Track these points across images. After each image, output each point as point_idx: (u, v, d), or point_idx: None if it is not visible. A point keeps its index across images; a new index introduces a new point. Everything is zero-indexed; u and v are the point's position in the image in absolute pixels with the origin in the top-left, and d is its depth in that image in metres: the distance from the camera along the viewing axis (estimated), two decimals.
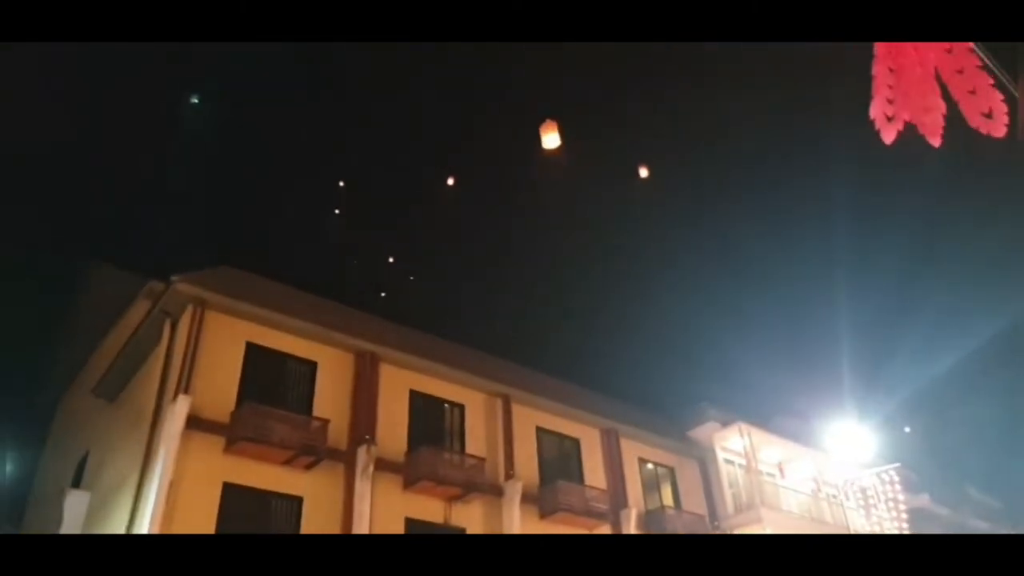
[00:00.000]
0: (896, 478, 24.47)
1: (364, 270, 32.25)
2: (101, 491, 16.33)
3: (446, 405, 19.49)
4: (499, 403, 20.25)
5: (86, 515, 16.07)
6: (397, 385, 18.45)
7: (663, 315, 34.28)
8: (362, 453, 16.39)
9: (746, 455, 24.34)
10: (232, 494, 14.63)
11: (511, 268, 35.53)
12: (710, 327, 31.25)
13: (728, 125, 26.42)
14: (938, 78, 3.10)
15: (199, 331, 15.71)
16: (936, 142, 3.10)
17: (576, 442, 21.81)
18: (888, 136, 3.23)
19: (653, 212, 30.35)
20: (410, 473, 17.24)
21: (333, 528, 15.59)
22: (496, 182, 31.59)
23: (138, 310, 17.72)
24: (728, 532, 23.06)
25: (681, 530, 21.62)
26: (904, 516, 24.09)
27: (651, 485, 23.27)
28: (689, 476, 24.31)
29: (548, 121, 17.41)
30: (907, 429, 31.77)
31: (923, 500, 29.45)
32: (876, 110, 3.22)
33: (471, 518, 18.00)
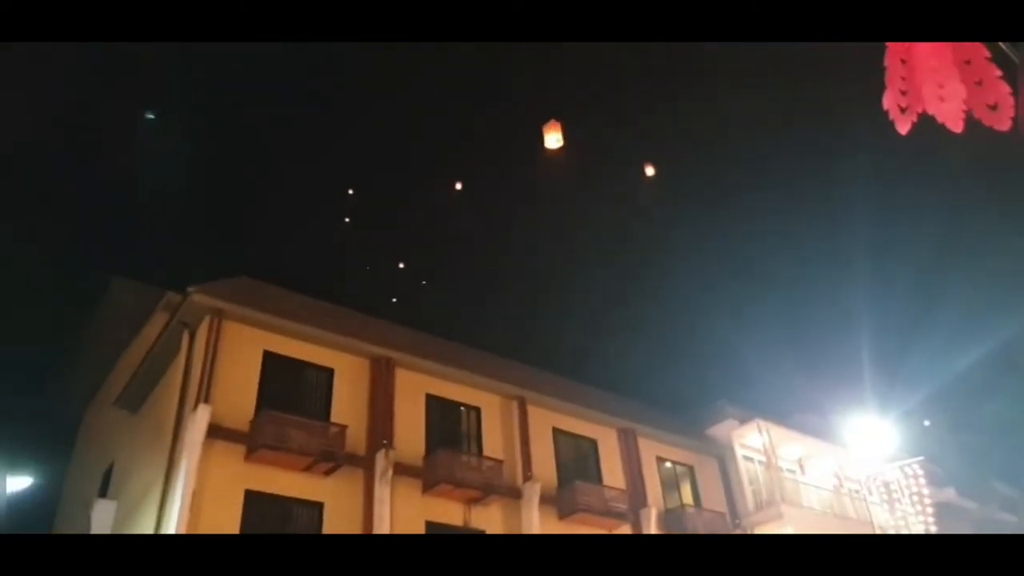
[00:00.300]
0: (920, 472, 24.21)
1: (375, 276, 32.40)
2: (127, 500, 16.52)
3: (462, 408, 19.53)
4: (515, 405, 20.26)
5: (113, 524, 16.26)
6: (413, 390, 18.51)
7: (680, 314, 34.21)
8: (380, 458, 16.46)
9: (766, 452, 24.20)
10: (254, 501, 14.75)
11: (523, 270, 35.55)
12: (728, 325, 31.16)
13: (743, 122, 26.32)
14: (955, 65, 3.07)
15: (217, 341, 15.84)
16: (957, 128, 3.06)
17: (593, 443, 21.78)
18: (903, 127, 3.22)
19: (668, 211, 30.30)
20: (429, 477, 17.29)
21: (354, 532, 15.65)
22: (505, 185, 31.64)
23: (157, 322, 17.92)
24: (749, 529, 22.96)
25: (702, 528, 21.53)
26: (930, 511, 23.82)
27: (670, 484, 23.19)
28: (708, 474, 24.20)
29: (552, 121, 17.42)
30: (927, 423, 31.43)
31: (949, 494, 29.11)
32: (889, 101, 3.21)
33: (490, 520, 18.01)
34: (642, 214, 29.83)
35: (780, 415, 26.21)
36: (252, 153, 33.42)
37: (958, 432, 32.60)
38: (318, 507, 15.63)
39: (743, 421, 24.68)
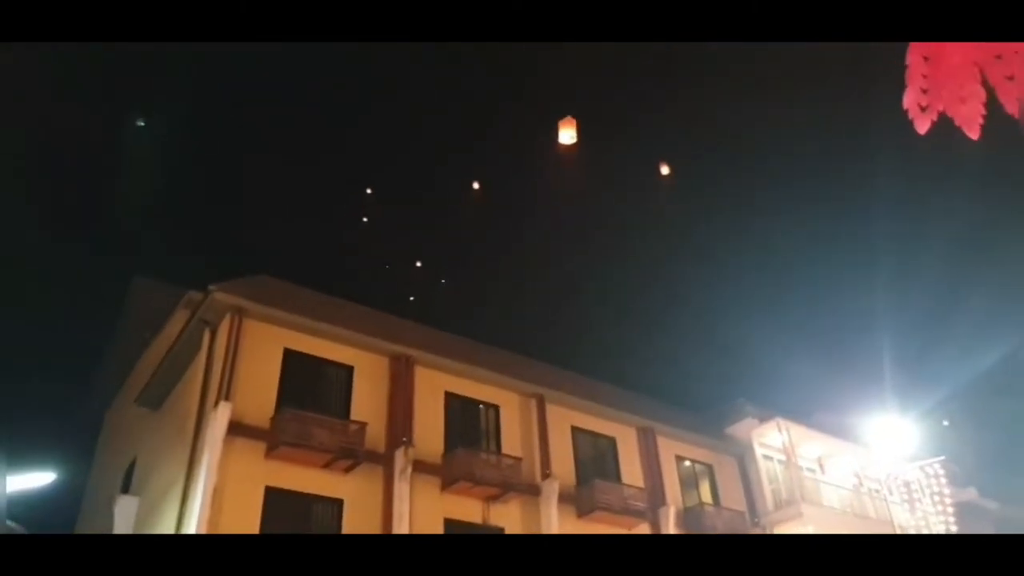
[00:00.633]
0: (941, 471, 23.99)
1: (392, 276, 32.53)
2: (149, 497, 16.72)
3: (481, 406, 19.58)
4: (533, 403, 20.29)
5: (136, 520, 16.47)
6: (432, 387, 18.58)
7: (699, 312, 34.04)
8: (400, 455, 16.54)
9: (785, 451, 24.07)
10: (274, 498, 14.88)
11: (542, 269, 35.53)
12: (748, 324, 30.96)
13: (768, 118, 26.13)
14: (976, 64, 3.04)
15: (238, 339, 15.98)
16: (974, 134, 3.01)
17: (612, 441, 21.76)
18: (921, 127, 3.18)
19: (690, 207, 30.17)
20: (448, 474, 17.36)
21: (373, 529, 15.76)
22: (523, 183, 31.63)
23: (178, 320, 18.09)
24: (768, 528, 22.85)
25: (721, 526, 21.46)
26: (950, 510, 23.60)
27: (689, 483, 23.12)
28: (728, 473, 24.10)
29: (567, 117, 17.40)
30: (945, 423, 31.11)
31: (970, 494, 28.84)
32: (909, 100, 3.18)
33: (509, 517, 18.06)
34: (662, 211, 29.74)
35: (800, 414, 26.07)
36: (271, 153, 33.66)
37: (979, 431, 32.23)
38: (338, 504, 15.74)
39: (763, 420, 24.57)
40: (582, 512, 19.26)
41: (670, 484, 22.02)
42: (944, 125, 3.19)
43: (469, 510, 17.52)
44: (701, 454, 23.86)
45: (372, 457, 16.36)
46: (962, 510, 25.11)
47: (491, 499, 17.89)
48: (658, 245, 34.05)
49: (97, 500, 20.55)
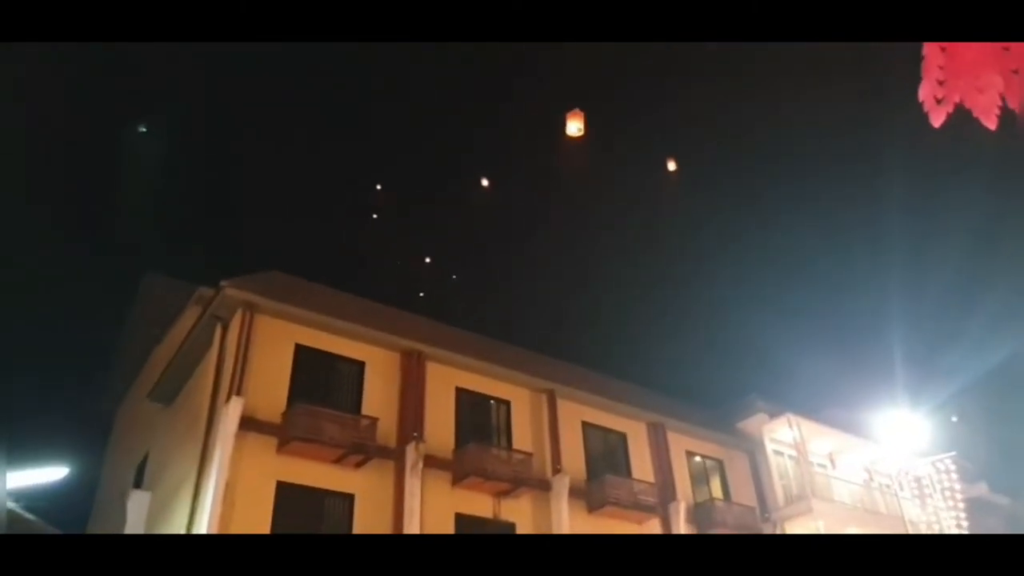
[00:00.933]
0: (952, 467, 23.86)
1: (403, 271, 32.58)
2: (162, 491, 16.83)
3: (492, 402, 19.62)
4: (544, 399, 20.31)
5: (148, 514, 16.58)
6: (443, 383, 18.62)
7: (710, 308, 33.97)
8: (411, 450, 16.59)
9: (796, 446, 24.01)
10: (286, 493, 14.96)
11: (552, 264, 35.51)
12: (759, 319, 30.86)
13: (780, 114, 26.02)
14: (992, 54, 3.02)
15: (249, 334, 16.05)
16: (992, 124, 2.99)
17: (622, 436, 21.76)
18: (937, 119, 3.16)
19: (701, 203, 30.09)
20: (458, 469, 17.41)
21: (384, 524, 15.83)
22: (533, 179, 31.61)
23: (189, 316, 18.18)
24: (779, 523, 22.82)
25: (731, 521, 21.45)
26: (961, 506, 23.48)
27: (700, 478, 23.10)
28: (738, 468, 24.07)
29: (575, 109, 17.34)
30: (954, 418, 30.95)
31: (981, 489, 28.70)
32: (925, 92, 3.15)
33: (520, 513, 18.10)
34: (673, 206, 29.65)
35: (811, 409, 25.99)
36: (281, 149, 33.75)
37: (990, 427, 32.06)
38: (349, 499, 15.81)
39: (773, 415, 24.51)
40: (593, 507, 19.27)
41: (680, 479, 22.01)
42: (956, 120, 3.16)
43: (480, 505, 17.57)
44: (712, 449, 23.83)
45: (383, 452, 16.41)
46: (973, 506, 24.97)
47: (502, 494, 17.93)
48: (670, 241, 33.99)
49: (110, 495, 20.70)
